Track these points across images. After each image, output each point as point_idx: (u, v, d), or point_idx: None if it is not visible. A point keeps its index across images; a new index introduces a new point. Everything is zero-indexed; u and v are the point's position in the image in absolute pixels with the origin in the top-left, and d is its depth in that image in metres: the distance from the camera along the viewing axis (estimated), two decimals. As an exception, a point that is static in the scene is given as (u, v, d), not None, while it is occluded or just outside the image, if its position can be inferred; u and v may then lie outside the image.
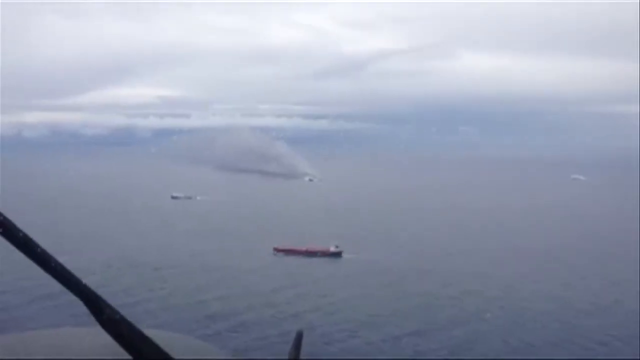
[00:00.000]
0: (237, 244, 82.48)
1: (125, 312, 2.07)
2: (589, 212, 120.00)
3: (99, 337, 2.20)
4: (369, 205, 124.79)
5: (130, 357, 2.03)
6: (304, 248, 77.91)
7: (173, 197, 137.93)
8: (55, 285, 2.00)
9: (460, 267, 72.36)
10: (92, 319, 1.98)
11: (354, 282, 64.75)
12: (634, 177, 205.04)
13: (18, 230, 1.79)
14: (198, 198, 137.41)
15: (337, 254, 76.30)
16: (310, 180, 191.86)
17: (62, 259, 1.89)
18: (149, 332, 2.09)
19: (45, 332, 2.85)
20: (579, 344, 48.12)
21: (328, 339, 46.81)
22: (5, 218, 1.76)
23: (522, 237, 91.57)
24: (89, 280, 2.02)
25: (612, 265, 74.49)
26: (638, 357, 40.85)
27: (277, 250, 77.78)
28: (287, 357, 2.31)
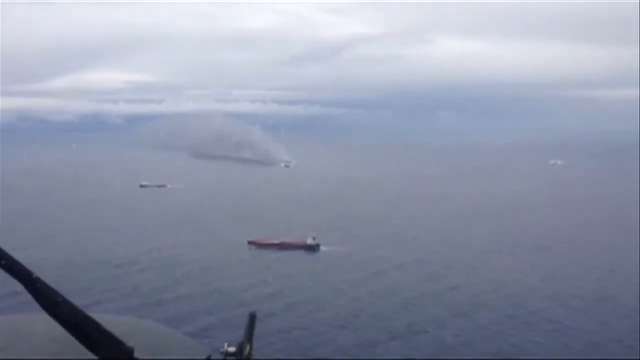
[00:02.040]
0: (208, 237, 77.65)
1: None
2: (565, 197, 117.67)
3: (52, 325, 2.09)
4: (347, 193, 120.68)
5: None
6: (279, 241, 73.47)
7: (142, 186, 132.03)
8: None
9: (442, 259, 68.78)
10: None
11: (330, 279, 60.45)
12: (612, 160, 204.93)
13: None
14: (168, 186, 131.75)
15: (315, 247, 71.98)
16: (286, 166, 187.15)
17: (16, 255, 1.90)
18: (103, 317, 2.06)
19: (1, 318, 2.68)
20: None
21: (298, 344, 42.68)
22: None
23: (501, 226, 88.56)
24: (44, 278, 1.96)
25: (592, 254, 71.73)
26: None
27: (251, 243, 73.20)
28: (241, 339, 2.31)
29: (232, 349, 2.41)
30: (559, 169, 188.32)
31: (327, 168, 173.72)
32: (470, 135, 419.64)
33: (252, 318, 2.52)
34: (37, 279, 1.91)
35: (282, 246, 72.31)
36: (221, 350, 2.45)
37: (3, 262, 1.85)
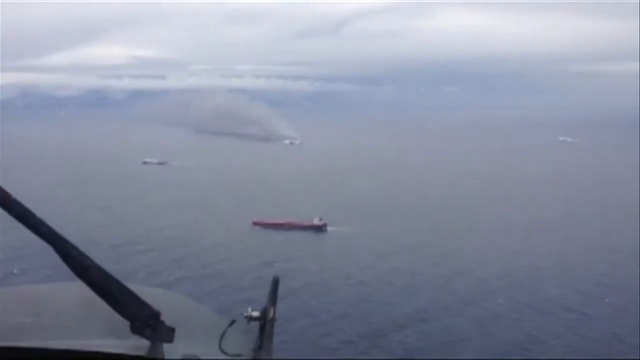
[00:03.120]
0: (210, 217, 75.26)
1: None
2: (581, 177, 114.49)
3: (79, 291, 2.20)
4: (354, 171, 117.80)
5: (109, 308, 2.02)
6: (285, 221, 70.93)
7: (145, 163, 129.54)
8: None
9: (451, 241, 66.26)
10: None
11: (338, 261, 58.05)
12: (620, 137, 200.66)
13: None
14: (172, 163, 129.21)
15: (322, 228, 69.49)
16: (291, 143, 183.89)
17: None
18: (129, 286, 2.07)
19: (28, 287, 2.92)
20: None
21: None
22: None
23: (513, 207, 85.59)
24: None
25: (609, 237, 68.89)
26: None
27: (255, 223, 70.73)
28: (265, 304, 2.37)
29: (255, 314, 2.36)
30: (569, 146, 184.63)
31: (333, 145, 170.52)
32: (476, 111, 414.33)
33: (276, 282, 2.39)
34: (67, 242, 1.96)
35: (287, 227, 69.87)
36: (245, 314, 2.37)
37: (33, 224, 1.89)
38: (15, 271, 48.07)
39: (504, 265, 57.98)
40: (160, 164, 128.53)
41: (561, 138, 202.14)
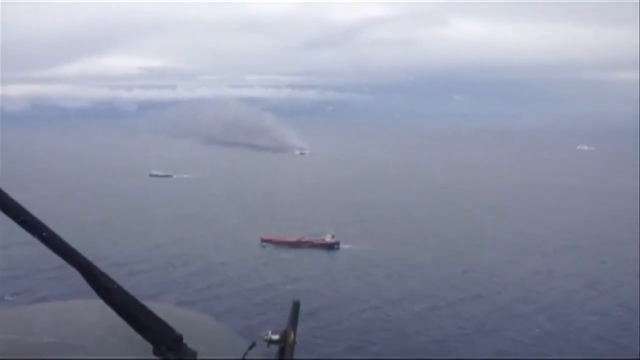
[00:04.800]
0: (216, 231, 71.89)
1: None
2: (602, 187, 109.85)
3: (102, 310, 2.25)
4: (365, 183, 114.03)
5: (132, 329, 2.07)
6: (295, 238, 67.32)
7: (152, 176, 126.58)
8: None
9: (467, 259, 62.25)
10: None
11: (351, 283, 54.30)
12: (637, 145, 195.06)
13: (12, 201, 1.83)
14: (181, 176, 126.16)
15: (334, 245, 65.85)
16: (301, 153, 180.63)
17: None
18: (151, 305, 2.14)
19: (49, 304, 2.95)
20: None
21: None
22: None
23: (535, 221, 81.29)
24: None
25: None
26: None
27: (264, 240, 67.16)
28: (284, 328, 2.39)
29: (275, 337, 2.39)
30: (587, 155, 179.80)
31: (344, 155, 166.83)
32: (487, 120, 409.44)
33: (297, 306, 2.49)
34: (93, 266, 1.99)
35: (298, 244, 66.26)
36: (265, 337, 2.38)
37: (60, 249, 1.92)
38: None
39: (528, 287, 53.99)
40: (168, 176, 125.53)
41: (578, 147, 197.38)
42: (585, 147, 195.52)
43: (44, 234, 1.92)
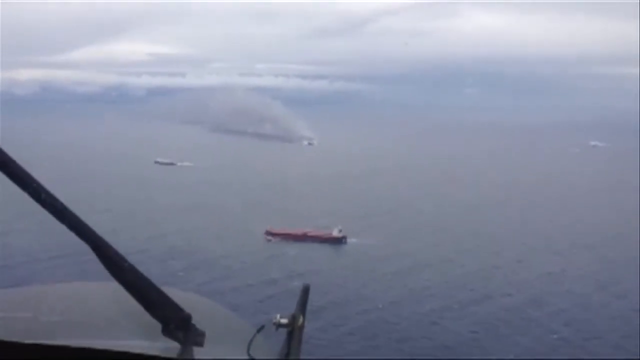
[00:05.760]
0: (220, 222, 69.85)
1: None
2: (617, 188, 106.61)
3: (110, 291, 2.30)
4: (374, 175, 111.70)
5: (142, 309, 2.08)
6: (302, 232, 65.20)
7: (157, 163, 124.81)
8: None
9: (477, 257, 60.00)
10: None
11: (358, 280, 52.19)
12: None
13: (30, 178, 1.81)
14: (186, 164, 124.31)
15: (341, 240, 63.70)
16: (309, 144, 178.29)
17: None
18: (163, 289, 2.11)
19: (59, 285, 2.98)
20: None
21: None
22: (11, 160, 1.78)
23: (547, 219, 78.62)
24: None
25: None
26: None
27: (269, 234, 65.07)
28: (293, 312, 2.39)
29: (284, 321, 2.35)
30: (601, 151, 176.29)
31: (352, 146, 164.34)
32: (498, 112, 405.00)
33: (306, 290, 2.43)
34: (105, 243, 1.98)
35: (304, 238, 64.19)
36: (273, 321, 2.32)
37: (72, 223, 1.89)
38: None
39: (541, 289, 51.70)
40: (172, 164, 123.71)
41: (592, 143, 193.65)
42: (598, 143, 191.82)
43: (58, 208, 1.85)
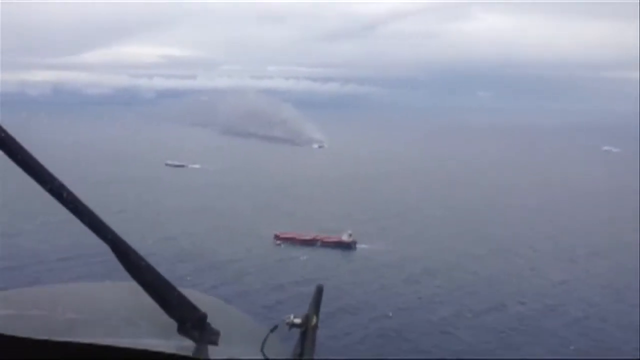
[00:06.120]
0: (228, 226, 69.21)
1: None
2: (632, 196, 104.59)
3: (126, 291, 2.40)
4: (386, 179, 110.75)
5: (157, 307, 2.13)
6: (311, 236, 64.45)
7: (167, 165, 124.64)
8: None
9: (488, 264, 58.81)
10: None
11: (368, 287, 51.22)
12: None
13: (51, 176, 1.84)
14: (196, 166, 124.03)
15: (351, 245, 62.85)
16: (320, 147, 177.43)
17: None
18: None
19: (75, 285, 3.06)
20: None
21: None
22: (40, 166, 1.82)
23: (561, 226, 77.08)
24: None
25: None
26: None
27: (278, 237, 64.37)
28: (306, 312, 2.41)
29: (297, 320, 2.38)
30: (614, 157, 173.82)
31: (363, 150, 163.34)
32: (510, 116, 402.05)
33: (320, 290, 2.44)
34: (124, 242, 2.01)
35: (313, 242, 63.39)
36: (287, 321, 2.38)
37: (91, 222, 1.91)
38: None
39: (555, 298, 50.49)
40: (182, 166, 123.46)
41: (605, 148, 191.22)
42: (612, 149, 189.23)
43: (77, 207, 1.88)
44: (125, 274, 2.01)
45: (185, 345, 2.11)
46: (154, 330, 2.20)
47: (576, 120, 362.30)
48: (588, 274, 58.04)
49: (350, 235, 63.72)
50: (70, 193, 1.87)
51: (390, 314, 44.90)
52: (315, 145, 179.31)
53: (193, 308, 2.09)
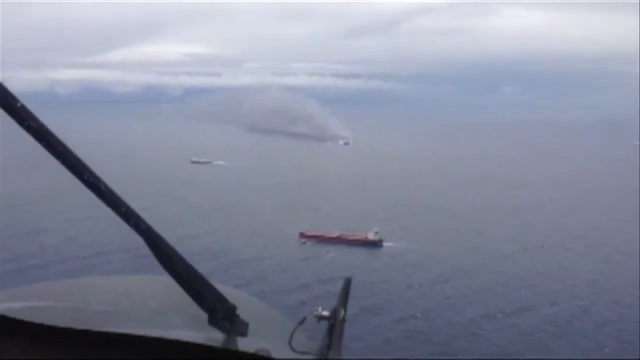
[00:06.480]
0: (253, 224, 68.87)
1: None
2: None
3: (158, 284, 2.51)
4: (412, 176, 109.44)
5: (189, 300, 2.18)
6: (336, 234, 63.78)
7: (193, 162, 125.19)
8: None
9: (520, 264, 57.39)
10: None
11: (396, 287, 50.38)
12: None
13: (90, 170, 1.90)
14: (221, 163, 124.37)
15: (377, 243, 62.04)
16: (345, 143, 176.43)
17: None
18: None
19: (107, 277, 3.15)
20: None
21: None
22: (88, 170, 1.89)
23: (590, 224, 74.90)
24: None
25: None
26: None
27: (303, 235, 63.86)
28: (334, 305, 2.43)
29: (325, 313, 2.39)
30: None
31: (389, 146, 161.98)
32: (538, 111, 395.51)
33: (348, 283, 2.48)
34: (157, 234, 2.05)
35: (339, 240, 62.73)
36: (315, 313, 2.38)
37: (126, 215, 1.98)
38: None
39: (587, 298, 48.99)
40: (207, 163, 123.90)
41: (635, 142, 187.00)
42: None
43: (113, 199, 1.94)
44: (150, 271, 2.04)
45: (215, 336, 2.15)
46: (185, 321, 2.27)
47: (608, 115, 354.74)
48: (621, 274, 56.32)
49: (376, 233, 62.92)
50: (106, 185, 1.92)
51: (418, 315, 44.04)
52: (341, 142, 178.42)
53: (223, 300, 2.13)
